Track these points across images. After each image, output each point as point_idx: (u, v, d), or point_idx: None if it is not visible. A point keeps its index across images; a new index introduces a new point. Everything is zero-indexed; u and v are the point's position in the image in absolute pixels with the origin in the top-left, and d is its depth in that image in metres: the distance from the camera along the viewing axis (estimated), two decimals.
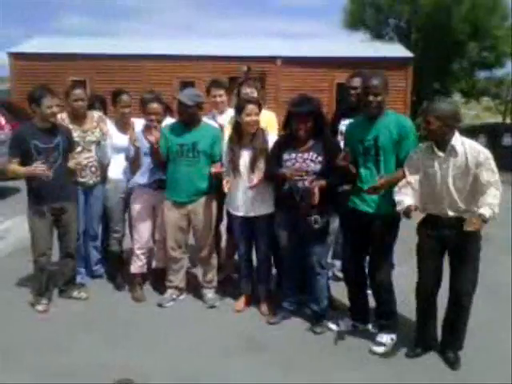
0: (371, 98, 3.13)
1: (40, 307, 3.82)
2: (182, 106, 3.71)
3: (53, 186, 3.69)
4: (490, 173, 2.89)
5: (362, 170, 3.26)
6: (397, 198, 3.06)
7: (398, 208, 3.03)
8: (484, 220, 2.78)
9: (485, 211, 2.79)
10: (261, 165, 3.56)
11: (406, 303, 3.46)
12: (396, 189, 3.09)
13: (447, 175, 2.96)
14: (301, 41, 18.17)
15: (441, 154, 2.97)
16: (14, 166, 3.64)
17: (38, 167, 3.54)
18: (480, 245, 3.06)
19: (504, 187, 3.00)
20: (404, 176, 3.11)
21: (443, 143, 2.96)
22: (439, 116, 2.90)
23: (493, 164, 2.92)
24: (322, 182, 3.27)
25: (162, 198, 3.91)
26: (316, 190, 3.21)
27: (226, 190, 3.62)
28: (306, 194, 3.29)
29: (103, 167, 4.18)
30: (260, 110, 3.63)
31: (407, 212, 2.96)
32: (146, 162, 3.93)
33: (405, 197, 3.03)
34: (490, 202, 2.83)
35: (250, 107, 3.53)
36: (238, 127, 3.63)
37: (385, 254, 3.29)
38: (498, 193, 2.87)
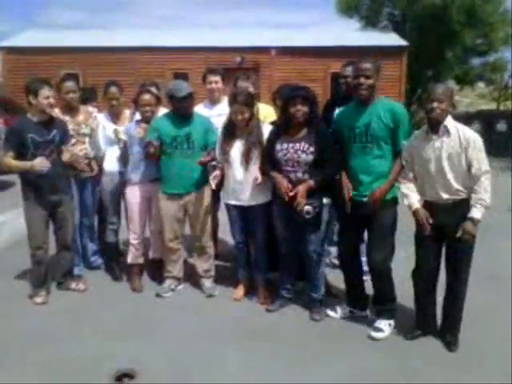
0: (362, 80, 3.13)
1: (38, 299, 3.82)
2: (175, 100, 3.69)
3: (48, 179, 3.68)
4: (481, 161, 2.94)
5: (352, 158, 3.27)
6: (403, 191, 3.16)
7: (406, 202, 3.15)
8: (475, 224, 2.92)
9: (476, 214, 2.92)
10: (255, 156, 3.56)
11: (404, 289, 3.46)
12: (401, 182, 3.17)
13: (441, 156, 2.99)
14: (295, 30, 18.05)
15: (434, 136, 3.01)
16: (11, 161, 3.59)
17: (36, 164, 3.52)
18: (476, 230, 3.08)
19: (498, 173, 3.02)
20: (400, 169, 3.18)
21: (437, 126, 2.99)
22: (443, 99, 2.93)
23: (482, 151, 2.96)
24: (310, 183, 3.29)
25: (157, 189, 3.91)
26: (302, 193, 3.27)
27: (213, 185, 3.63)
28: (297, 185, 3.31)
29: (98, 159, 4.18)
30: (252, 104, 3.60)
31: (416, 213, 3.10)
32: (138, 156, 3.92)
33: (411, 193, 3.13)
34: (482, 198, 2.92)
35: (235, 107, 3.52)
36: (231, 117, 3.63)
37: (384, 238, 3.28)
38: (488, 182, 2.95)
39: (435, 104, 2.99)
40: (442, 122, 3.00)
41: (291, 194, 3.29)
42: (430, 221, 3.06)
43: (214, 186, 3.66)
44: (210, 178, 3.64)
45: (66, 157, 3.77)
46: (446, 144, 2.98)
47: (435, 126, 3.00)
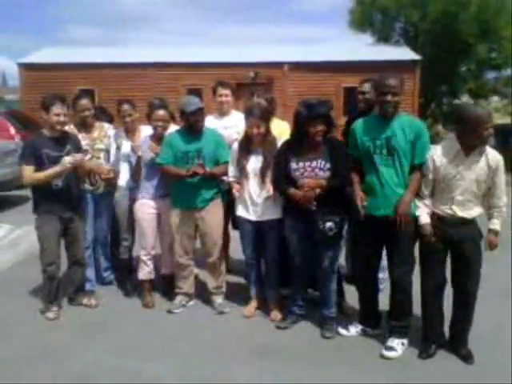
0: (389, 97, 3.11)
1: (50, 314, 3.83)
2: (184, 115, 3.74)
3: (59, 195, 3.72)
4: (504, 178, 3.04)
5: (372, 171, 3.24)
6: (418, 203, 3.17)
7: (417, 213, 3.16)
8: (496, 233, 3.06)
9: (498, 226, 3.06)
10: (270, 172, 3.56)
11: (417, 305, 3.42)
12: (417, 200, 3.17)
13: (471, 176, 3.00)
14: (307, 46, 18.15)
15: (466, 156, 3.00)
16: (35, 174, 3.61)
17: (66, 160, 3.54)
18: (481, 243, 3.14)
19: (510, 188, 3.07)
20: (420, 182, 3.17)
21: (472, 147, 2.99)
22: (473, 122, 2.92)
23: (503, 171, 3.06)
24: (321, 181, 3.27)
25: (168, 205, 3.93)
26: (311, 185, 3.25)
27: (235, 193, 3.64)
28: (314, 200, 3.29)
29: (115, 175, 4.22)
30: (268, 120, 3.63)
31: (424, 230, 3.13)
32: (149, 174, 3.96)
33: (423, 208, 3.15)
34: (503, 211, 3.08)
35: (250, 120, 3.56)
36: (248, 132, 3.65)
37: (405, 252, 3.25)
38: (505, 199, 3.09)
39: (389, 97, 3.09)
40: (394, 115, 3.13)
41: (306, 189, 3.27)
42: (433, 239, 3.12)
43: (237, 195, 3.70)
44: (234, 190, 3.68)
45: (66, 160, 3.59)
46: (478, 165, 3.00)
47: (474, 148, 2.99)
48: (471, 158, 3.00)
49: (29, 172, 3.63)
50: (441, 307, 3.28)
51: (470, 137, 2.96)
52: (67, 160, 3.57)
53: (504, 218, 3.10)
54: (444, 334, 3.33)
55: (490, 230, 3.10)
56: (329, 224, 3.29)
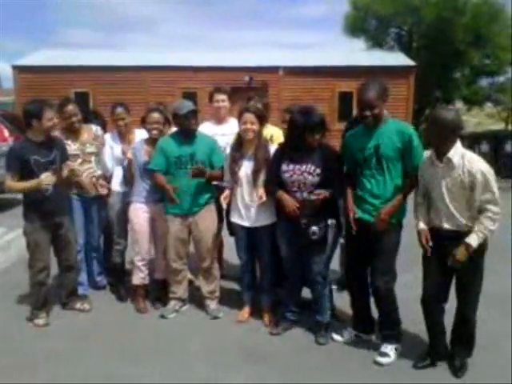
0: (368, 112, 3.10)
1: (40, 321, 3.79)
2: (177, 118, 3.74)
3: (50, 201, 3.68)
4: (488, 193, 2.84)
5: (363, 180, 3.24)
6: (414, 213, 3.13)
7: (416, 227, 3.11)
8: (469, 250, 2.85)
9: (473, 241, 2.83)
10: (263, 177, 3.56)
11: (411, 313, 3.42)
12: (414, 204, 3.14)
13: (442, 186, 2.94)
14: (302, 50, 18.27)
15: (439, 163, 2.95)
16: (16, 183, 3.59)
17: (42, 180, 3.53)
18: (483, 257, 3.02)
19: (505, 194, 2.97)
20: (411, 190, 3.16)
21: (442, 153, 2.93)
22: (437, 124, 2.88)
23: (492, 183, 2.84)
24: (325, 194, 3.27)
25: (161, 210, 3.92)
26: (319, 200, 3.25)
27: (224, 204, 3.62)
28: (302, 205, 3.30)
29: (106, 179, 4.21)
30: (262, 122, 3.63)
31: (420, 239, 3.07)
32: (143, 178, 3.96)
33: (419, 217, 3.10)
34: (485, 226, 2.83)
35: (246, 115, 3.56)
36: (239, 137, 3.66)
37: (387, 262, 3.25)
38: (496, 210, 2.84)
39: (367, 112, 3.04)
40: (379, 124, 3.01)
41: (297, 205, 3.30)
42: (430, 243, 3.03)
43: (225, 206, 3.66)
44: (221, 197, 3.66)
45: (64, 173, 3.72)
46: (449, 175, 2.91)
47: (439, 154, 2.95)
48: (444, 164, 2.92)
49: (12, 181, 3.59)
50: (441, 319, 3.18)
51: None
52: (44, 178, 3.55)
53: (486, 233, 2.84)
54: (446, 350, 3.24)
55: (463, 243, 2.85)
56: (313, 228, 3.30)
